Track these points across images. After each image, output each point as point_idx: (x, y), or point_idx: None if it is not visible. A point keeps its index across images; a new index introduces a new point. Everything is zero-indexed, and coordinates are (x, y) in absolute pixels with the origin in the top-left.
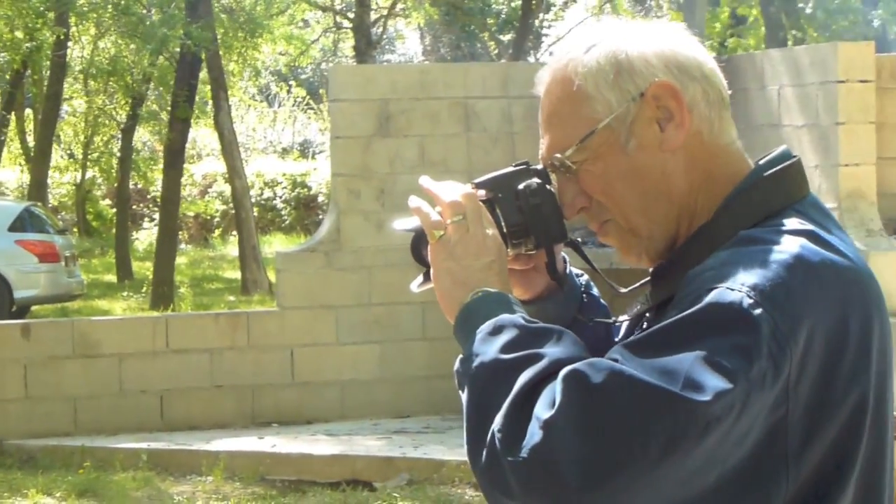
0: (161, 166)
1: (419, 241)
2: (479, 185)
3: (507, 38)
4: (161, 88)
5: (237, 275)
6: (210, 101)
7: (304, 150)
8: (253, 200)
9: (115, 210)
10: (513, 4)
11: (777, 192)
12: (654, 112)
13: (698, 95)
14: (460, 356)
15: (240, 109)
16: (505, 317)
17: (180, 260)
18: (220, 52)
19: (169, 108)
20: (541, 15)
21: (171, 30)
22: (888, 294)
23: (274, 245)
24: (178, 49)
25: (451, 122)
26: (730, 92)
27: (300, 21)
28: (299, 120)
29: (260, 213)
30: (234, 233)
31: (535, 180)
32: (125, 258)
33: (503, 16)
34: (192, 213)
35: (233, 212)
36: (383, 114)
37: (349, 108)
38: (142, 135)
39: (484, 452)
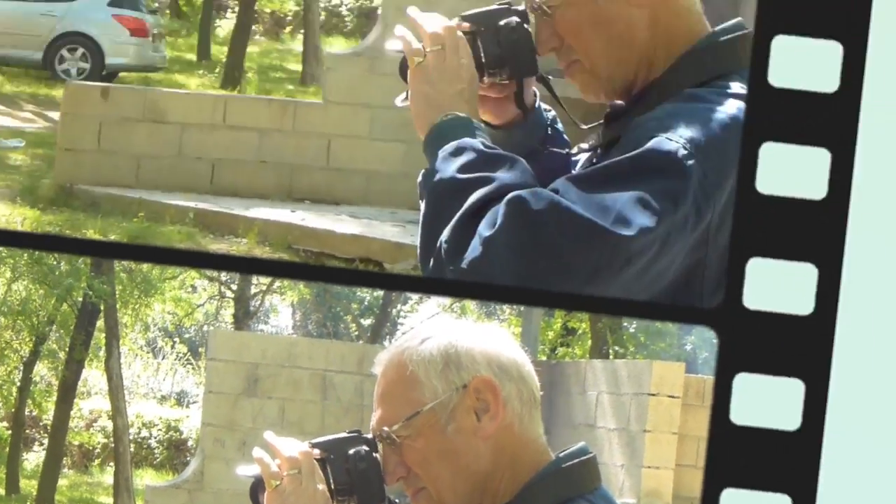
0: (54, 398)
1: (257, 487)
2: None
3: (367, 322)
4: (62, 331)
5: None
6: (103, 347)
7: (181, 399)
8: (130, 437)
9: (10, 432)
10: (375, 294)
11: (570, 482)
12: (473, 402)
13: (513, 393)
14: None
15: (128, 357)
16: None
17: (62, 482)
18: (117, 306)
19: (67, 349)
20: (398, 305)
21: (76, 281)
22: None
23: (144, 479)
24: (80, 299)
25: (311, 390)
26: (542, 393)
27: (189, 286)
28: (179, 372)
29: (136, 449)
30: (112, 464)
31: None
32: (14, 473)
33: (366, 303)
34: (76, 443)
35: (112, 445)
36: (252, 376)
37: (223, 368)
38: (40, 369)
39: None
